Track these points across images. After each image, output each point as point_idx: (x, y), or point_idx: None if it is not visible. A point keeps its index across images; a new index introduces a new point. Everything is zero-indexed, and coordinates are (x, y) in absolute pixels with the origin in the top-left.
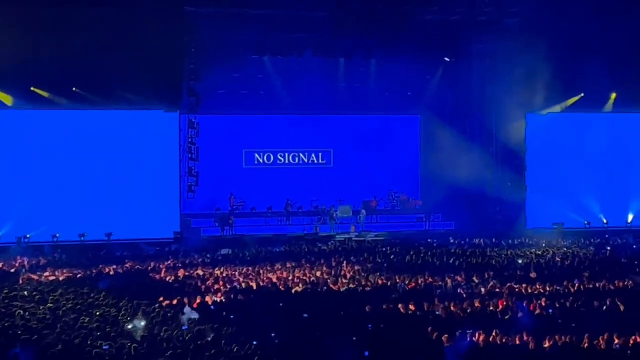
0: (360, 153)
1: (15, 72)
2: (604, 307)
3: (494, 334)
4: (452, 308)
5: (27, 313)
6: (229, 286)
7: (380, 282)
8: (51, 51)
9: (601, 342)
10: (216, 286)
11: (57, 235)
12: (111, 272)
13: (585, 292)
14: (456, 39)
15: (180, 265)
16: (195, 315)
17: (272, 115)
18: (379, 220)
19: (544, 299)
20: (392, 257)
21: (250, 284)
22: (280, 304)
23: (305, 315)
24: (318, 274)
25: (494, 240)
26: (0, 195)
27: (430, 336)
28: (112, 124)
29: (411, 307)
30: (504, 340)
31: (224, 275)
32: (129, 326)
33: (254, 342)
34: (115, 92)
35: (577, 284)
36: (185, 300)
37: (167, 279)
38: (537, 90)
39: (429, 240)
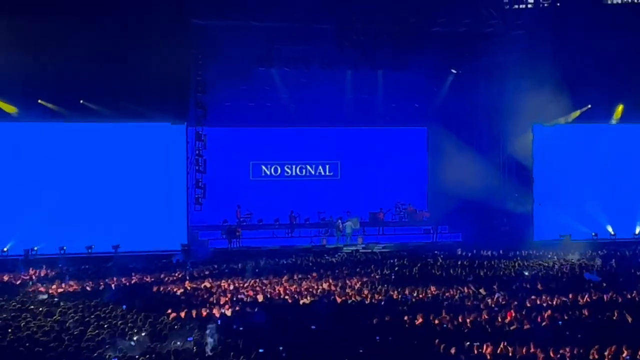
0: (368, 165)
1: (23, 85)
2: (613, 319)
3: (501, 345)
4: (459, 320)
5: (34, 326)
6: (236, 298)
7: (387, 294)
8: (58, 64)
9: (609, 354)
10: (223, 299)
11: (65, 247)
12: (120, 284)
13: (593, 304)
14: (463, 51)
15: (187, 277)
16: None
17: (279, 127)
18: (385, 232)
19: (551, 310)
20: (399, 269)
21: (258, 296)
22: (288, 316)
23: (313, 327)
24: (325, 286)
25: (501, 252)
26: (8, 207)
27: (437, 348)
28: (119, 137)
29: (419, 319)
30: (511, 352)
31: (232, 287)
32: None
33: (261, 350)
34: (122, 105)
35: (585, 296)
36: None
37: (175, 291)
38: (544, 102)
39: (436, 252)
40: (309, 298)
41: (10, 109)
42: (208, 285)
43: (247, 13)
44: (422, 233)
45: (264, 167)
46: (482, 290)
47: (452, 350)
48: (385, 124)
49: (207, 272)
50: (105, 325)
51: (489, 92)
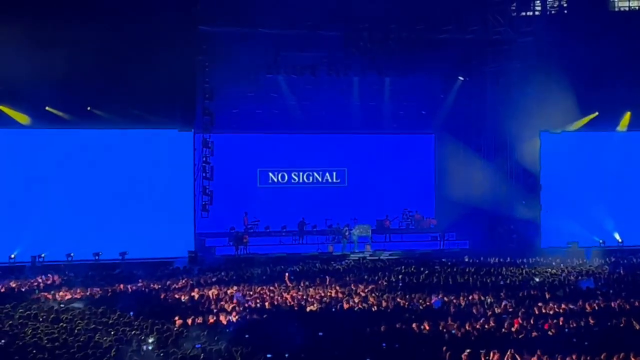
0: (375, 172)
1: (30, 92)
2: (620, 326)
3: (508, 353)
4: (466, 327)
5: (41, 332)
6: (243, 305)
7: (394, 301)
8: (66, 71)
9: None
10: (230, 305)
11: (72, 254)
12: (127, 291)
13: (601, 312)
14: (470, 58)
15: (194, 284)
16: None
17: (287, 134)
18: (392, 240)
19: (558, 318)
20: (406, 276)
21: (265, 303)
22: (295, 323)
23: (321, 334)
24: (332, 293)
25: (508, 259)
26: (15, 214)
27: (444, 356)
28: (127, 143)
29: (425, 326)
30: (519, 359)
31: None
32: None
33: (269, 355)
34: (129, 112)
35: (592, 303)
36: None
37: (182, 298)
38: (552, 109)
39: (443, 259)
40: (316, 305)
41: (22, 118)
42: (215, 292)
43: (254, 20)
44: (430, 240)
45: (271, 174)
46: (489, 298)
47: (460, 358)
48: (393, 130)
49: (214, 279)
50: (113, 332)
51: (496, 99)
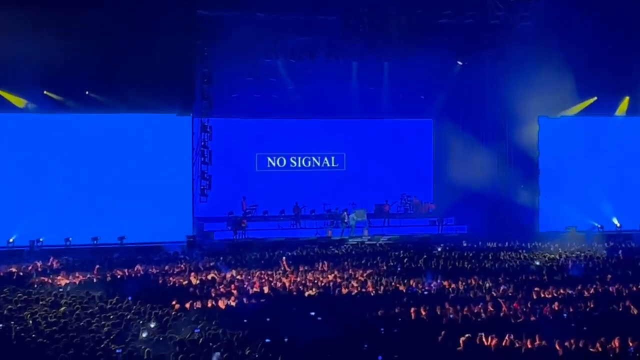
0: (373, 157)
1: (29, 76)
2: (618, 311)
3: (506, 338)
4: (465, 312)
5: (39, 317)
6: (242, 290)
7: (392, 286)
8: (64, 55)
9: (615, 345)
10: (229, 290)
11: (70, 239)
12: (126, 276)
13: (599, 296)
14: (469, 43)
15: (193, 269)
16: None
17: (285, 118)
18: (391, 224)
19: (557, 302)
20: (405, 261)
21: (264, 287)
22: (293, 308)
23: (319, 318)
24: (331, 277)
25: (507, 244)
26: (14, 198)
27: (443, 340)
28: (125, 128)
29: (423, 311)
30: (516, 344)
31: (237, 279)
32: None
33: (267, 340)
34: (128, 96)
35: (590, 288)
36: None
37: (181, 283)
38: (550, 94)
39: (442, 244)
40: (314, 290)
41: (19, 102)
42: (213, 276)
43: (253, 4)
44: (428, 225)
45: (269, 159)
46: (487, 282)
47: (457, 342)
48: (391, 115)
49: (212, 264)
50: (111, 317)
51: (494, 83)
